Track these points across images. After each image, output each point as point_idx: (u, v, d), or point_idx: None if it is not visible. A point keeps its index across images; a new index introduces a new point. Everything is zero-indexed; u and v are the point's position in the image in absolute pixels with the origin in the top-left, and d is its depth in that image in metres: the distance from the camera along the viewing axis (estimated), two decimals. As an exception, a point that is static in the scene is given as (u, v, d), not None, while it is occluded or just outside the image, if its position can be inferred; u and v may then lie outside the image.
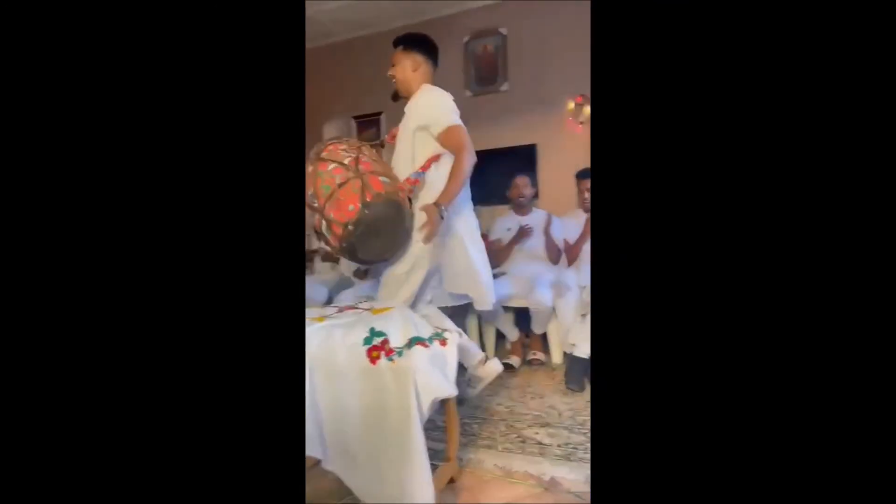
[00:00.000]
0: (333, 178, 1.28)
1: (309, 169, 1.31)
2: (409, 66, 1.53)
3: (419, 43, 1.56)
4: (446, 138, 1.42)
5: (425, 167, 1.43)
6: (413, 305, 1.47)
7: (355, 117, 3.61)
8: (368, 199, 1.25)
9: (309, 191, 1.29)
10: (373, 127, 3.53)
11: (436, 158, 1.43)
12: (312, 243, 2.91)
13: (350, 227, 1.25)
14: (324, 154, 1.34)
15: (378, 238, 1.32)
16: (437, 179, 1.42)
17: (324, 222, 1.28)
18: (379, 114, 3.49)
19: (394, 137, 1.58)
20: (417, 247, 1.41)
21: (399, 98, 1.61)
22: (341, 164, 1.31)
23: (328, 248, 1.38)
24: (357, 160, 1.32)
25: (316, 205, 1.29)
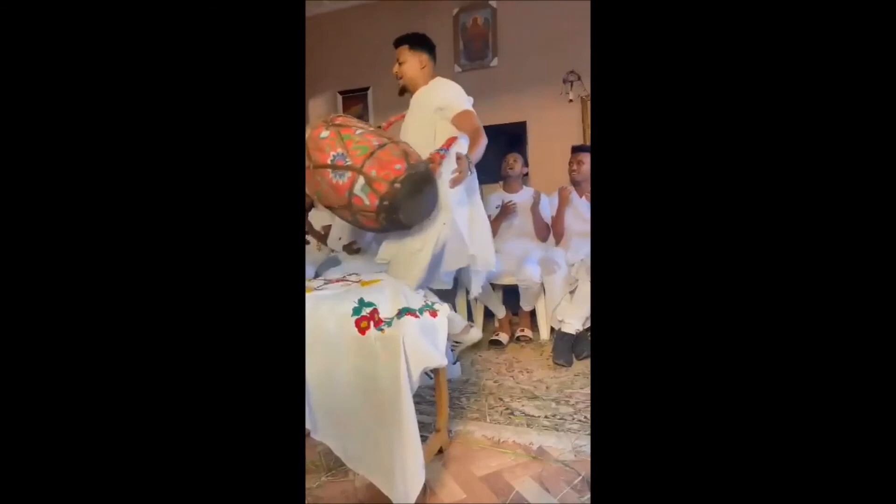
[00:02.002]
0: (369, 140, 1.35)
1: (326, 133, 1.38)
2: (416, 65, 1.69)
3: (423, 42, 1.72)
4: (461, 120, 1.58)
5: (447, 145, 1.53)
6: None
7: (341, 92, 3.51)
8: (412, 161, 1.34)
9: (332, 153, 1.34)
10: (359, 102, 3.44)
11: (453, 140, 1.55)
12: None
13: (397, 185, 1.30)
14: (339, 121, 1.42)
15: (419, 197, 1.37)
16: (454, 160, 1.58)
17: (361, 179, 1.31)
18: (366, 89, 3.40)
19: (390, 125, 1.78)
20: (433, 225, 1.52)
21: (405, 93, 1.78)
22: (375, 128, 1.42)
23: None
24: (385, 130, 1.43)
25: (349, 163, 1.32)
